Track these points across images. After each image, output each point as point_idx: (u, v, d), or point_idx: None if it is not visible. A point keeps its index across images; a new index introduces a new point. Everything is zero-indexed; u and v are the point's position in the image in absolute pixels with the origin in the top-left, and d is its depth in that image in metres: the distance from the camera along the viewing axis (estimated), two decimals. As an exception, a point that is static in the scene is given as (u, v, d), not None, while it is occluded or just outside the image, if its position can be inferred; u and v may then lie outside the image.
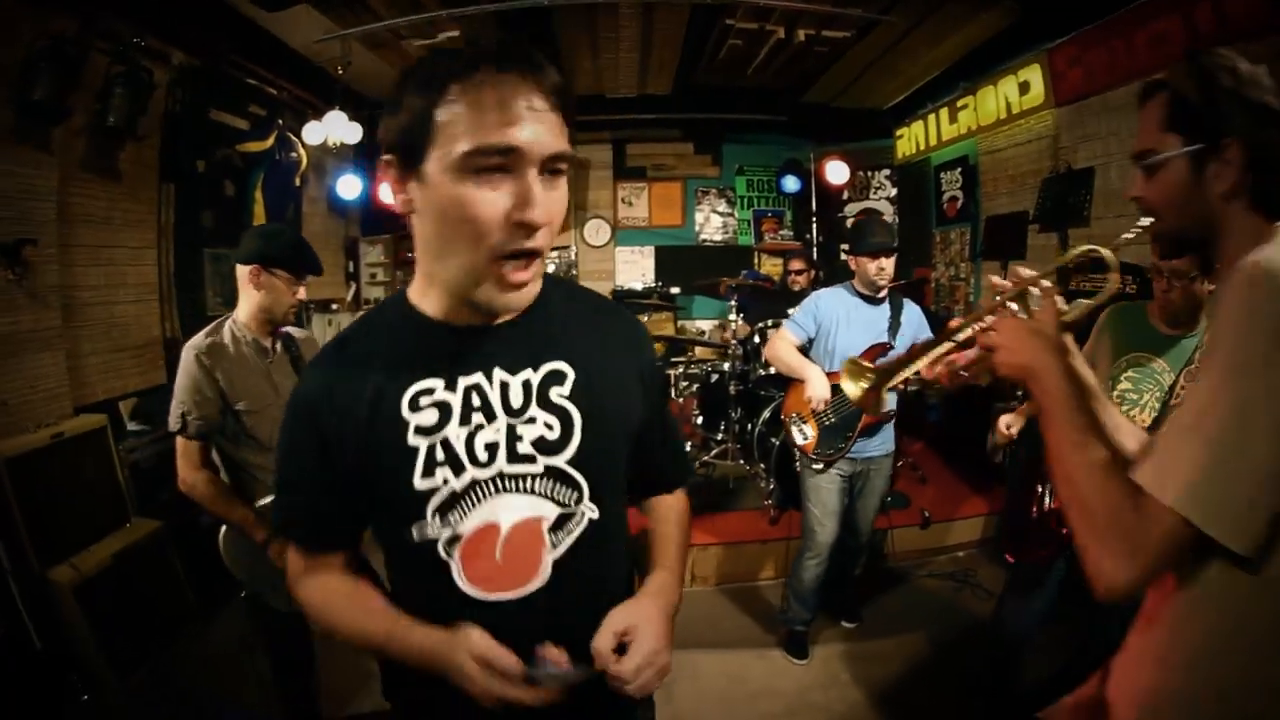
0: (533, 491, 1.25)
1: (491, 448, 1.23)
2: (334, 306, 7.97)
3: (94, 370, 4.48)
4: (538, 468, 1.25)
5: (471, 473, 1.22)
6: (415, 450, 1.21)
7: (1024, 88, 5.58)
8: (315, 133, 6.08)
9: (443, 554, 1.23)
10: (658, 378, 1.52)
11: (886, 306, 3.66)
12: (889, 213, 8.24)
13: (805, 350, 3.71)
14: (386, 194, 5.50)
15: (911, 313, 3.70)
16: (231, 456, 2.73)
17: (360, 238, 8.63)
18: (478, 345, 1.24)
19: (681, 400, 6.24)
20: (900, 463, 5.47)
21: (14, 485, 3.48)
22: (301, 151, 6.38)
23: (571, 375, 1.28)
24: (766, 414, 5.15)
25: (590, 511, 1.29)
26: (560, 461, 1.26)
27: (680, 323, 8.68)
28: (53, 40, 3.74)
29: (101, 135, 4.34)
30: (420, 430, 1.21)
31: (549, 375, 1.27)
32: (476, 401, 1.23)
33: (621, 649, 1.20)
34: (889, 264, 3.52)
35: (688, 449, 1.45)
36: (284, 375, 2.81)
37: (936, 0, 5.08)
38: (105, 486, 4.03)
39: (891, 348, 3.56)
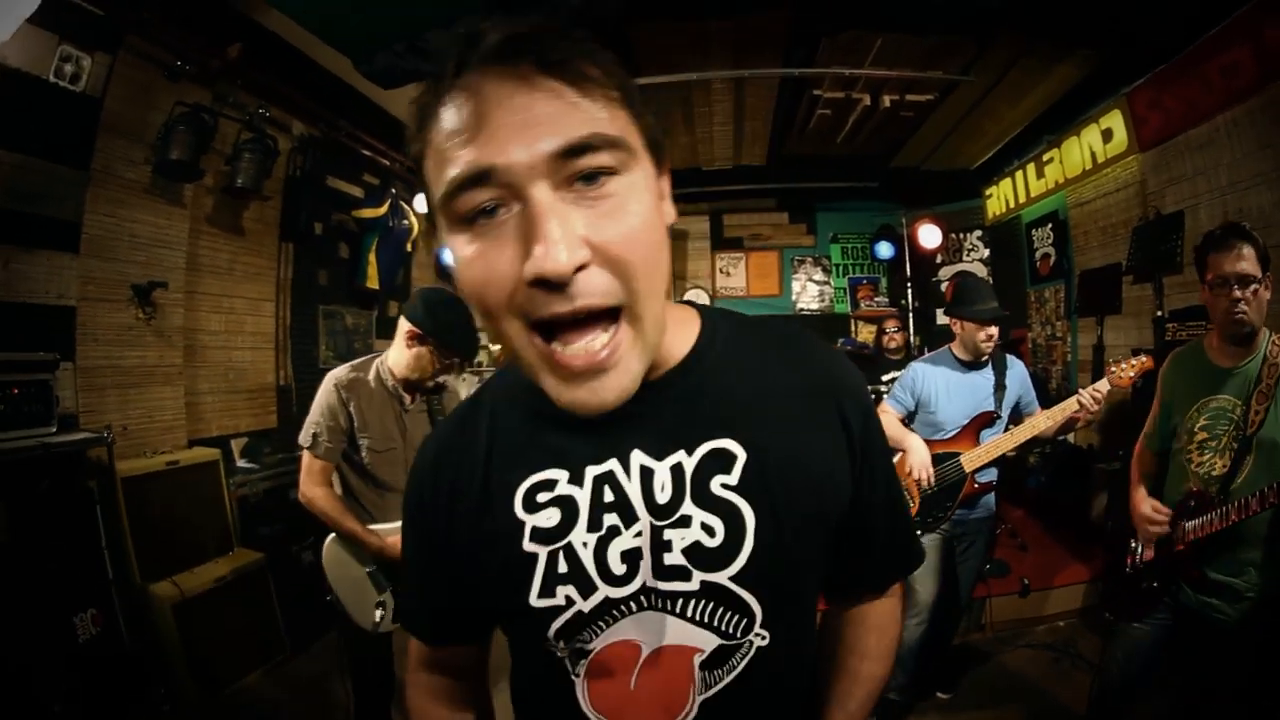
0: (684, 615, 0.94)
1: (631, 558, 0.93)
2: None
3: (209, 408, 4.86)
4: (692, 585, 0.93)
5: (604, 591, 0.93)
6: (534, 559, 0.94)
7: (1107, 135, 5.52)
8: (425, 203, 6.46)
9: (568, 667, 0.98)
10: (873, 435, 1.06)
11: (990, 370, 3.57)
12: (983, 273, 8.17)
13: (909, 420, 3.68)
14: None
15: (1016, 372, 3.62)
16: (349, 485, 2.91)
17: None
18: (609, 421, 0.85)
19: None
20: (1000, 529, 5.38)
21: (128, 502, 3.83)
22: (413, 219, 6.80)
23: (742, 456, 0.94)
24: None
25: (760, 640, 0.96)
26: (723, 578, 0.92)
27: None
28: (191, 108, 4.20)
29: (228, 194, 4.80)
30: (538, 535, 0.94)
31: (709, 457, 0.94)
32: (610, 497, 0.94)
33: None
34: (996, 331, 3.46)
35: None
36: (417, 425, 2.97)
37: (1013, 56, 5.16)
38: (213, 515, 4.36)
39: (998, 417, 3.50)
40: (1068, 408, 3.28)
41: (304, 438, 2.80)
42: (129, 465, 3.90)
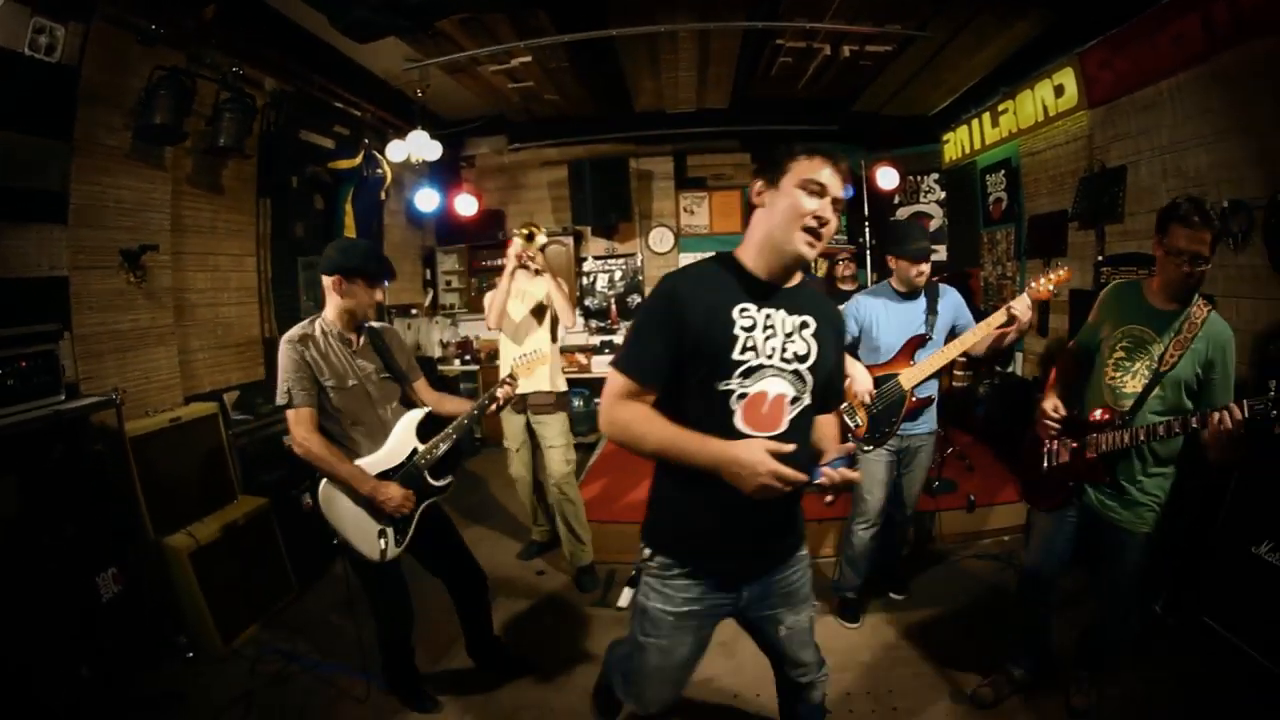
0: (786, 378, 2.11)
1: (773, 349, 2.09)
2: (413, 311, 8.50)
3: (201, 365, 5.03)
4: (792, 366, 2.11)
5: (761, 359, 2.07)
6: (737, 338, 2.05)
7: (1059, 90, 5.72)
8: (399, 150, 6.60)
9: (732, 403, 2.06)
10: (844, 340, 2.46)
11: (922, 299, 3.91)
12: (938, 215, 8.47)
13: (854, 347, 4.00)
14: (462, 205, 5.94)
15: (948, 299, 3.95)
16: (326, 430, 3.11)
17: (436, 247, 9.15)
18: (775, 295, 2.13)
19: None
20: (949, 451, 5.80)
21: (136, 461, 4.00)
22: (386, 168, 6.87)
23: (814, 324, 2.16)
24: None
25: (807, 399, 2.16)
26: (804, 368, 2.13)
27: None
28: (169, 71, 4.24)
29: (206, 153, 4.87)
30: (742, 328, 2.06)
31: (803, 322, 2.15)
32: (772, 323, 2.10)
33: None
34: (927, 267, 3.83)
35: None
36: (367, 359, 3.24)
37: (971, 11, 5.30)
38: (216, 466, 4.55)
39: (929, 338, 3.86)
40: (993, 321, 3.59)
41: (280, 397, 3.02)
42: (134, 425, 4.04)
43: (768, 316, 2.09)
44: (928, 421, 4.02)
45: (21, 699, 3.21)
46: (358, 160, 6.45)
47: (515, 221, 8.77)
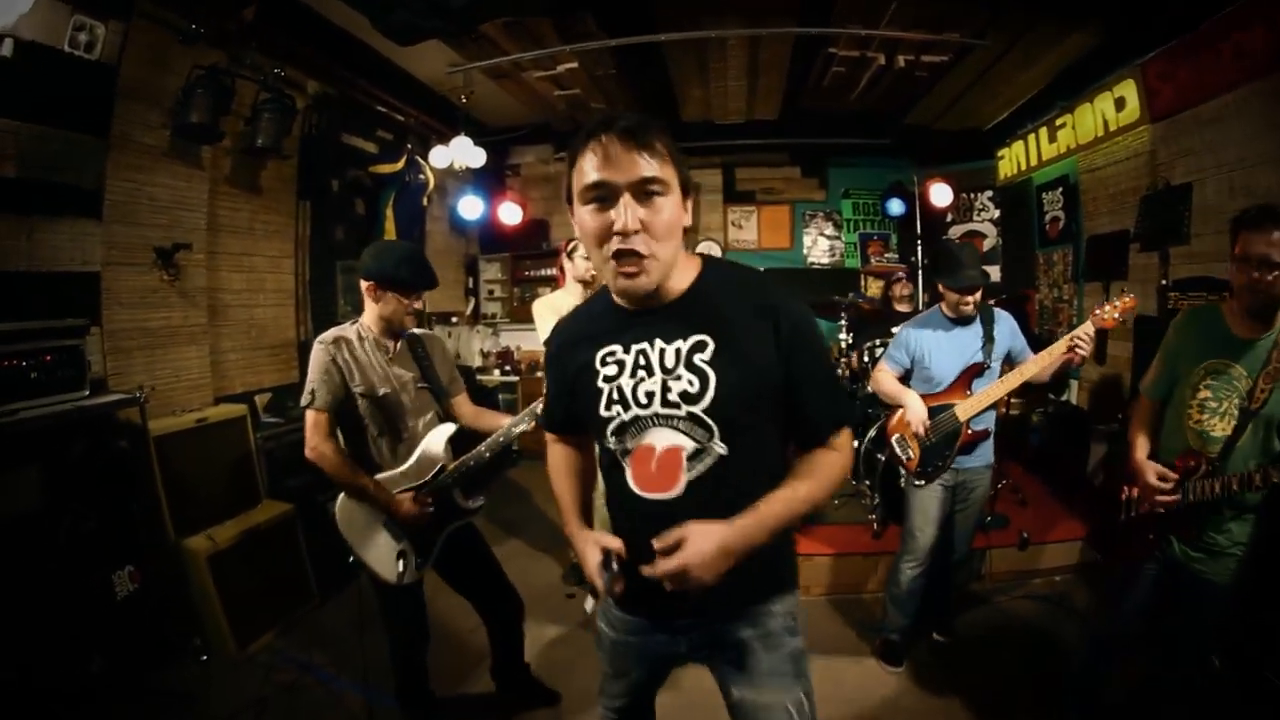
0: (677, 428, 1.70)
1: (649, 395, 1.71)
2: (454, 319, 8.46)
3: (233, 365, 5.00)
4: (681, 412, 1.69)
5: (635, 410, 1.72)
6: (601, 392, 1.76)
7: (1120, 104, 5.49)
8: (442, 156, 6.60)
9: (620, 459, 1.79)
10: (799, 337, 1.73)
11: (978, 324, 3.70)
12: (992, 234, 8.20)
13: (906, 378, 3.83)
14: (506, 214, 5.86)
15: (1004, 325, 3.72)
16: (352, 437, 3.02)
17: (480, 255, 9.15)
18: (647, 322, 1.74)
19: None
20: (1001, 484, 5.49)
21: (160, 460, 3.98)
22: (429, 174, 6.86)
23: (712, 344, 1.68)
24: (873, 432, 5.29)
25: (720, 449, 1.70)
26: (698, 409, 1.68)
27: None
28: (208, 70, 4.24)
29: (246, 154, 4.87)
30: (605, 378, 1.76)
31: (695, 344, 1.69)
32: (641, 361, 1.73)
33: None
34: (975, 297, 3.59)
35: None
36: (405, 368, 3.10)
37: (1027, 22, 5.12)
38: (241, 469, 4.52)
39: (987, 367, 3.63)
40: (1055, 350, 3.36)
41: (304, 398, 2.89)
42: (159, 424, 4.02)
43: (639, 354, 1.73)
44: (984, 455, 3.77)
45: (31, 685, 3.20)
46: (400, 165, 6.45)
47: (560, 233, 8.71)
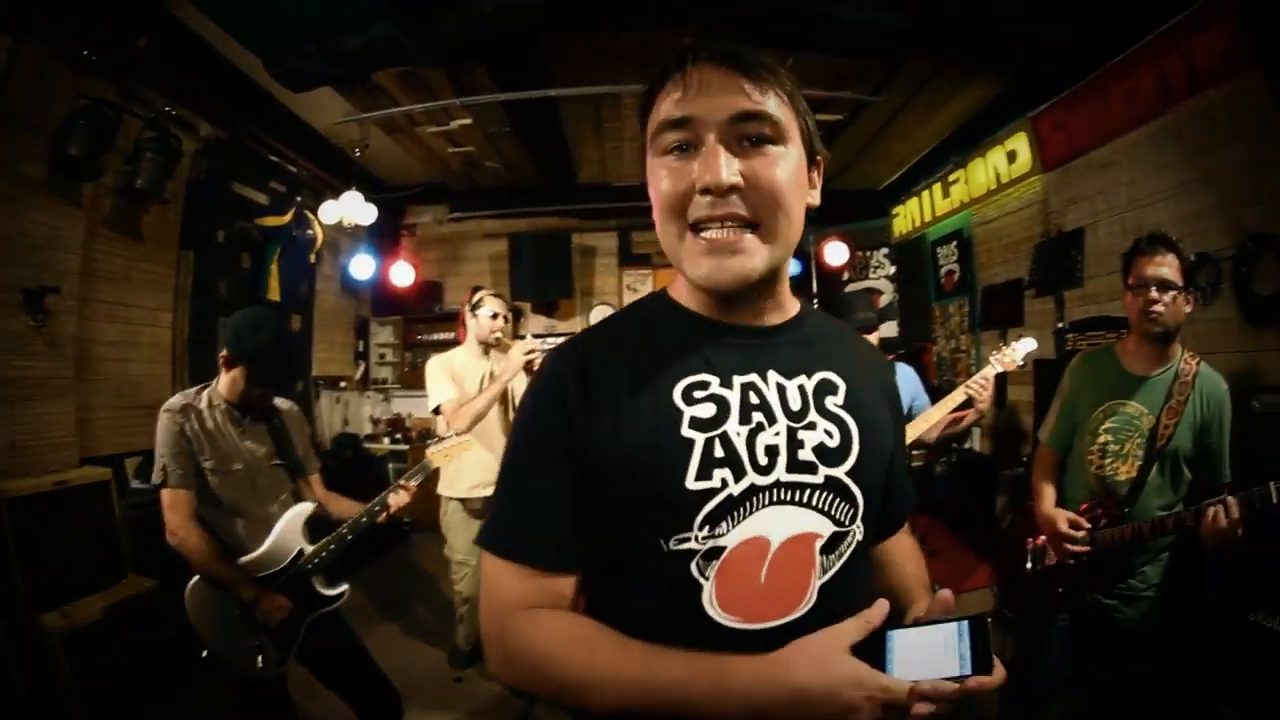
0: (809, 504, 1.10)
1: (772, 451, 1.09)
2: (343, 384, 8.09)
3: (102, 424, 4.55)
4: (818, 478, 1.10)
5: (751, 477, 1.06)
6: (691, 444, 1.06)
7: (1011, 156, 5.75)
8: (331, 212, 6.27)
9: (695, 571, 1.05)
10: (899, 407, 1.39)
11: None
12: (889, 290, 8.41)
13: None
14: (398, 275, 5.54)
15: (903, 378, 3.68)
16: (203, 518, 2.70)
17: (371, 317, 8.81)
18: (751, 344, 1.17)
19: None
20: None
21: (13, 527, 3.53)
22: (318, 229, 6.59)
23: (844, 386, 1.19)
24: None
25: (859, 533, 1.15)
26: (841, 472, 1.12)
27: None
28: (92, 101, 3.95)
29: (128, 196, 4.54)
30: (697, 423, 1.07)
31: (822, 383, 1.18)
32: (755, 400, 1.11)
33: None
34: (874, 340, 3.58)
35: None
36: (259, 442, 2.82)
37: (923, 79, 5.31)
38: (104, 540, 4.04)
39: None
40: (948, 403, 3.38)
41: (155, 475, 2.61)
42: (16, 485, 3.61)
43: (748, 390, 1.12)
44: None
45: None
46: (287, 218, 6.17)
47: (455, 295, 8.52)
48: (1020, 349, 3.37)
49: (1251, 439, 3.15)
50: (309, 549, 2.78)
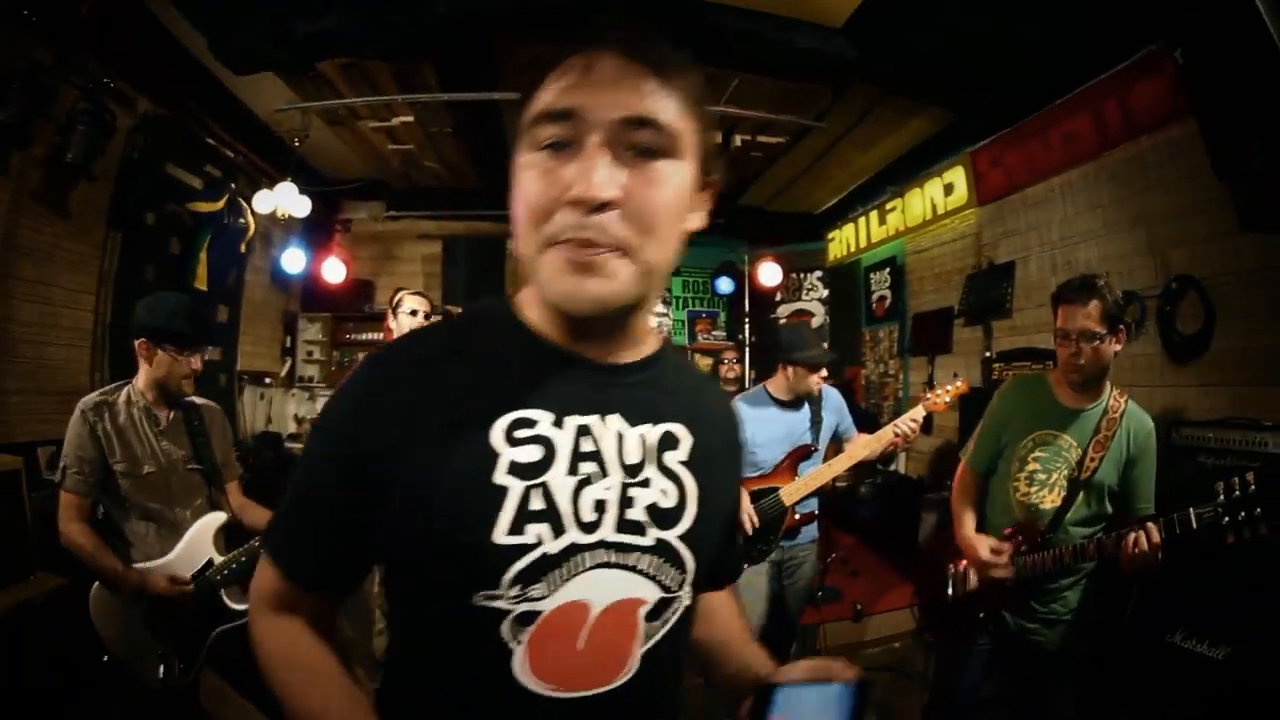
0: (635, 569, 1.00)
1: (600, 507, 0.97)
2: (267, 380, 7.84)
3: (15, 410, 4.30)
4: (648, 540, 1.00)
5: (572, 535, 0.95)
6: (504, 492, 0.93)
7: (948, 189, 5.94)
8: (265, 202, 6.10)
9: (506, 634, 0.93)
10: (740, 463, 1.30)
11: (805, 407, 3.64)
12: (820, 313, 8.57)
13: None
14: (329, 271, 5.32)
15: (830, 402, 3.71)
16: (111, 519, 2.66)
17: (300, 313, 8.56)
18: (595, 380, 1.02)
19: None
20: (831, 557, 5.53)
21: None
22: (250, 219, 6.40)
23: (688, 441, 1.07)
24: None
25: (686, 598, 1.06)
26: (672, 536, 1.02)
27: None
28: (28, 65, 3.77)
29: (58, 169, 4.32)
30: (516, 469, 0.94)
31: (666, 436, 1.05)
32: (588, 448, 0.98)
33: None
34: (824, 373, 3.57)
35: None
36: (176, 444, 2.76)
37: (867, 107, 5.43)
38: (11, 533, 3.76)
39: (814, 450, 3.59)
40: (883, 438, 3.43)
41: (58, 474, 2.56)
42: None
43: (581, 433, 0.99)
44: (809, 532, 3.71)
45: None
46: (219, 205, 5.96)
47: (386, 295, 8.33)
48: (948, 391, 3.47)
49: (1171, 470, 3.27)
50: (219, 559, 2.69)
